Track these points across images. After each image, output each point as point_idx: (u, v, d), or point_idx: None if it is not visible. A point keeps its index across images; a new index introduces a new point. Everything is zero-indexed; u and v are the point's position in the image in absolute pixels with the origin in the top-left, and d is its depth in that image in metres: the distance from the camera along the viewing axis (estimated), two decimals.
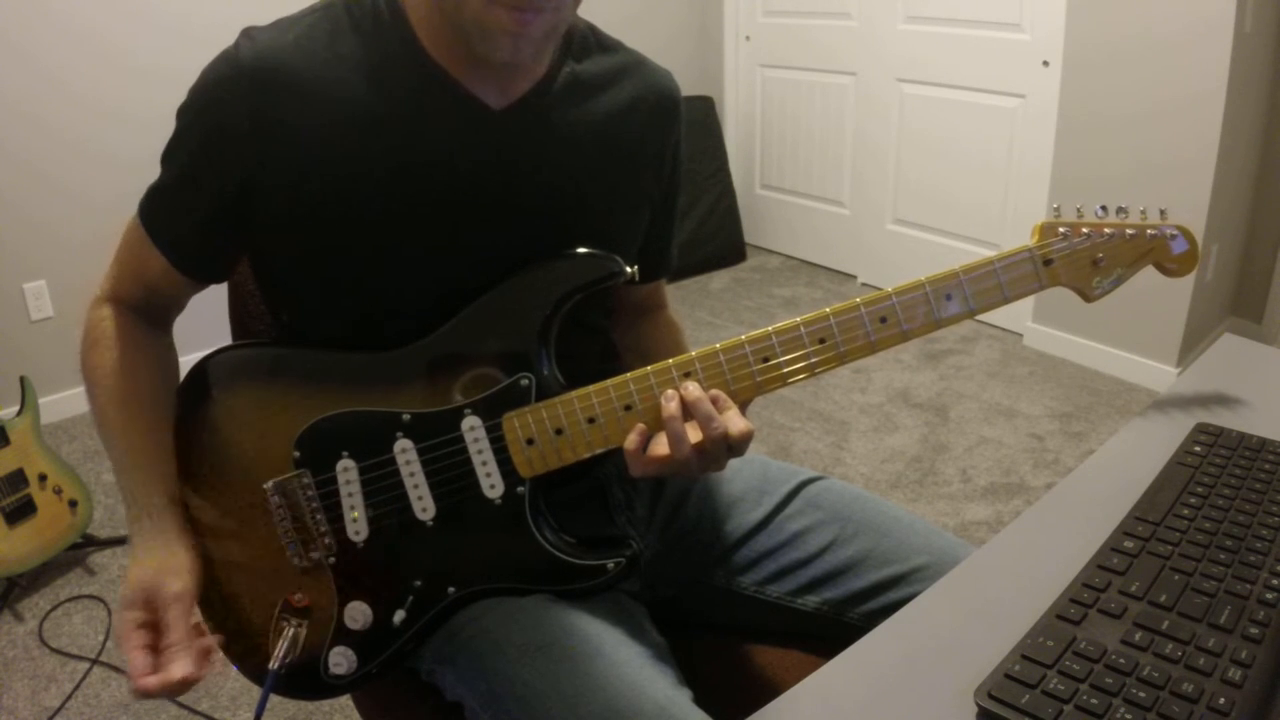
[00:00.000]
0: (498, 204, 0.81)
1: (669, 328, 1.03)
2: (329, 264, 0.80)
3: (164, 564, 0.77)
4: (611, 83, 0.88)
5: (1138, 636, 0.59)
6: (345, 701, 1.51)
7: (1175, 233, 0.84)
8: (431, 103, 0.79)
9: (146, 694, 0.73)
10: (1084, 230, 0.82)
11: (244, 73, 0.76)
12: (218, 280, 0.89)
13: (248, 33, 0.78)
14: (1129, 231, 0.83)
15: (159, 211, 0.83)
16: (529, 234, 0.82)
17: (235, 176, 0.78)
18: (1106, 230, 0.82)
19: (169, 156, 0.82)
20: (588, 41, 0.88)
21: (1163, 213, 0.86)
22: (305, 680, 0.82)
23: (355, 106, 0.77)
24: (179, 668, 0.73)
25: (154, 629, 0.76)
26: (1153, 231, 0.84)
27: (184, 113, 0.80)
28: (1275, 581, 0.63)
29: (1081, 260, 0.82)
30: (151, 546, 0.78)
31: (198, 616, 0.80)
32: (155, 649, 0.75)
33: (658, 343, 0.99)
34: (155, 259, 0.83)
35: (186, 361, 0.86)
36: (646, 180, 0.91)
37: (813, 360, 0.78)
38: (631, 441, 0.76)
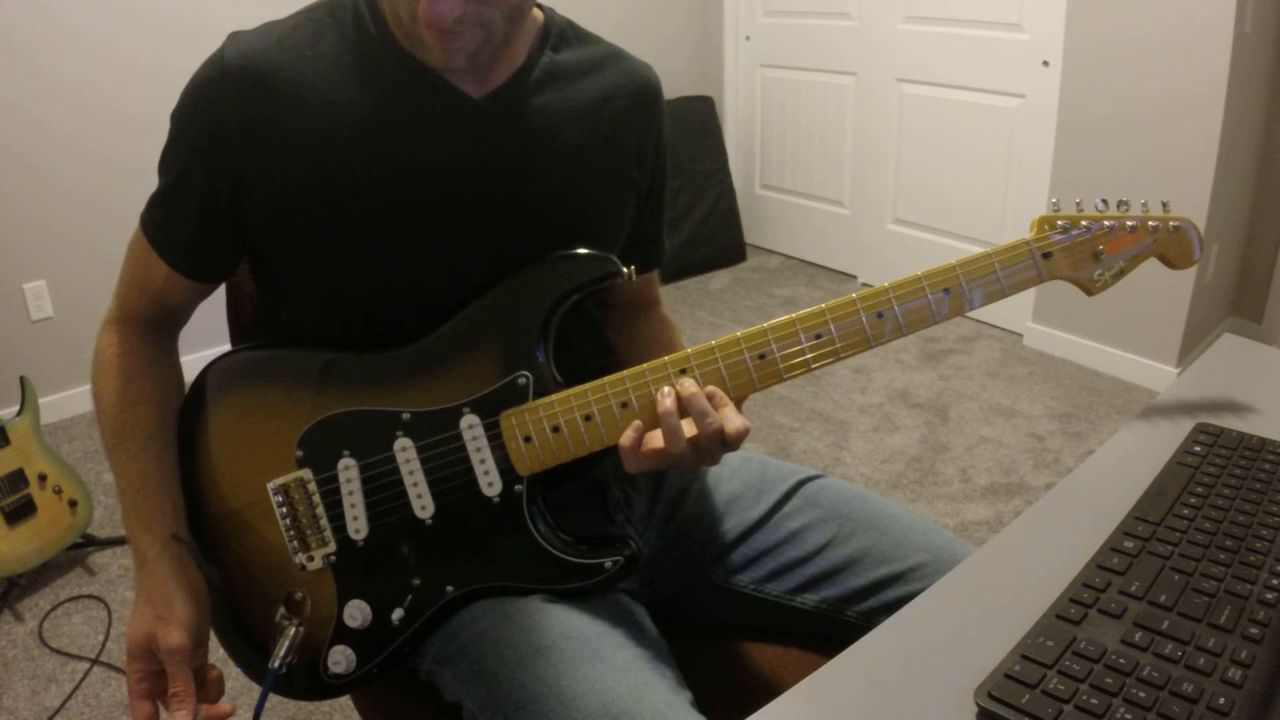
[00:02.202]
0: (483, 191, 0.82)
1: (664, 326, 1.03)
2: (321, 261, 0.81)
3: (161, 616, 0.78)
4: (590, 72, 0.88)
5: (1138, 636, 0.59)
6: (345, 701, 1.51)
7: (1178, 224, 0.84)
8: (414, 95, 0.80)
9: None
10: (1084, 223, 0.82)
11: (229, 74, 0.77)
12: (222, 279, 0.90)
13: (233, 36, 0.80)
14: (1129, 223, 0.83)
15: (158, 218, 0.84)
16: (517, 222, 0.83)
17: (226, 177, 0.79)
18: (1107, 223, 0.82)
19: (164, 163, 0.83)
20: (566, 34, 0.89)
21: (1165, 205, 0.85)
22: (305, 679, 0.82)
23: (340, 104, 0.78)
24: (180, 717, 0.75)
25: (158, 676, 0.78)
26: (1154, 223, 0.83)
27: (176, 118, 0.81)
28: (1275, 581, 0.63)
29: (1081, 253, 0.81)
30: (150, 599, 0.79)
31: (200, 660, 0.80)
32: (160, 695, 0.78)
33: (653, 341, 0.99)
34: (158, 267, 0.84)
35: (185, 362, 0.87)
36: (629, 168, 0.92)
37: (809, 357, 0.78)
38: (627, 438, 0.76)
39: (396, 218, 0.80)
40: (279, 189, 0.78)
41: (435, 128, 0.80)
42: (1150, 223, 0.83)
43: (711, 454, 0.76)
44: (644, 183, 0.94)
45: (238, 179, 0.79)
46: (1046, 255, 0.81)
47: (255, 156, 0.78)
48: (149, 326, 0.88)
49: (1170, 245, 0.84)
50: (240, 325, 1.02)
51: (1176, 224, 0.83)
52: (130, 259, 0.87)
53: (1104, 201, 0.83)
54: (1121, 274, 0.83)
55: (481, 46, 0.76)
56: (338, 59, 0.79)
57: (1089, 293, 0.83)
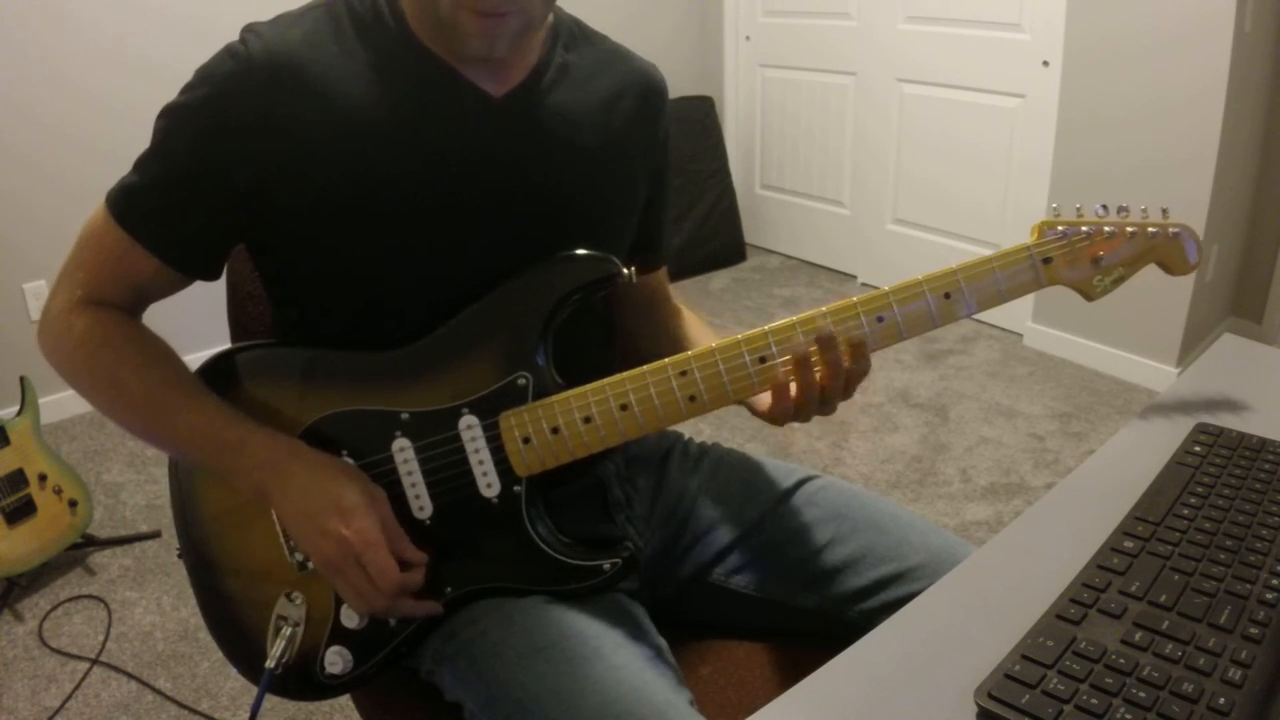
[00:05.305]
0: (502, 193, 0.81)
1: (676, 318, 1.03)
2: (336, 257, 0.80)
3: (355, 476, 0.77)
4: (599, 73, 0.89)
5: (1138, 636, 0.59)
6: (345, 701, 1.51)
7: (1177, 230, 0.84)
8: (436, 94, 0.79)
9: (403, 590, 0.76)
10: (1083, 229, 0.82)
11: (257, 68, 0.75)
12: (213, 278, 0.85)
13: (253, 29, 0.78)
14: (1129, 229, 0.83)
15: (151, 213, 0.79)
16: (532, 222, 0.83)
17: (240, 173, 0.77)
18: (1106, 229, 0.82)
19: (158, 155, 0.79)
20: (574, 34, 0.89)
21: (1164, 211, 0.85)
22: (302, 680, 0.82)
23: (363, 102, 0.77)
24: (419, 574, 0.77)
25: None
26: (1154, 229, 0.83)
27: (180, 110, 0.78)
28: (1275, 581, 0.63)
29: (1081, 259, 0.82)
30: (333, 468, 0.78)
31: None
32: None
33: (667, 334, 1.01)
34: (144, 261, 0.80)
35: (184, 362, 0.86)
36: (637, 168, 0.92)
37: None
38: (764, 401, 0.81)
39: (415, 215, 0.79)
40: (298, 185, 0.77)
41: (456, 126, 0.80)
42: (1149, 229, 0.83)
43: (834, 398, 0.80)
44: (650, 182, 0.95)
45: (253, 175, 0.76)
46: (1047, 260, 0.81)
47: (274, 154, 0.76)
48: (125, 310, 0.84)
49: (1169, 251, 0.84)
50: (240, 325, 1.02)
51: (1175, 230, 0.84)
52: (96, 248, 0.81)
53: (1104, 207, 0.83)
54: (1121, 280, 0.83)
55: (521, 32, 0.76)
56: (360, 58, 0.78)
57: (1088, 298, 0.83)
